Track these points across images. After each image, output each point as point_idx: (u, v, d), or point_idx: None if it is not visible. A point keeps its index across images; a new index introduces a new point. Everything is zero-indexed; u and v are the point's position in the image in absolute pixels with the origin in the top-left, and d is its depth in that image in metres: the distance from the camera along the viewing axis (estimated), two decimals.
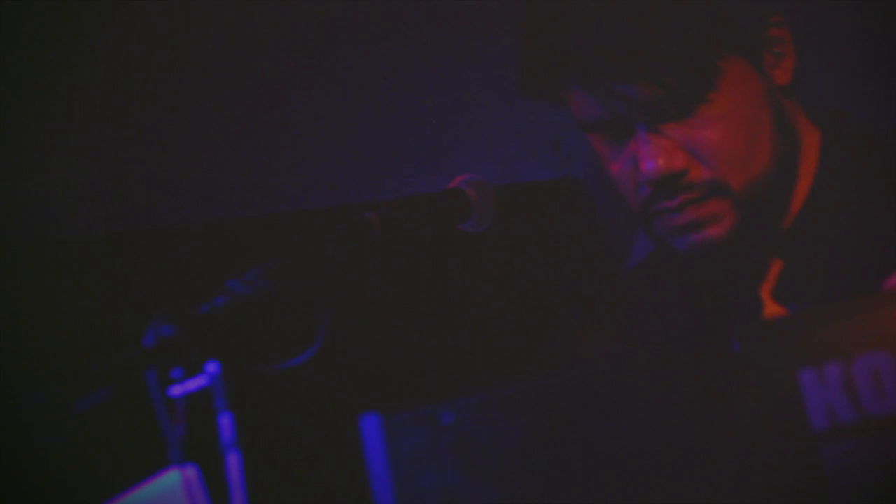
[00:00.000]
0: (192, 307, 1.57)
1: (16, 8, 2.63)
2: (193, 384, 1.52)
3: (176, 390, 1.52)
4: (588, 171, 2.81)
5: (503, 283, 2.75)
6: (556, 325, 2.10)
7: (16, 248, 2.68)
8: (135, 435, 1.93)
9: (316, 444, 2.60)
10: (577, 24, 1.84)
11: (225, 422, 1.50)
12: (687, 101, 1.84)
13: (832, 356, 1.29)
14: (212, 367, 1.52)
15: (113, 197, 2.78)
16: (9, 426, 1.39)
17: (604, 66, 1.82)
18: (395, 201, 1.78)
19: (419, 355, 2.74)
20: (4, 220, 2.73)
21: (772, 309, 1.94)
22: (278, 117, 2.83)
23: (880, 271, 1.68)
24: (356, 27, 2.81)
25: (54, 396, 1.42)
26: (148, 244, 2.72)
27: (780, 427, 1.30)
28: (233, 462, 1.49)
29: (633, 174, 1.89)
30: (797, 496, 1.29)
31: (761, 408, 1.30)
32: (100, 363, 1.47)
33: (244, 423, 1.51)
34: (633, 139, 1.87)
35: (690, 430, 1.31)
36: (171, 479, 1.48)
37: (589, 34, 1.83)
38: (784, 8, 1.92)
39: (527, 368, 2.09)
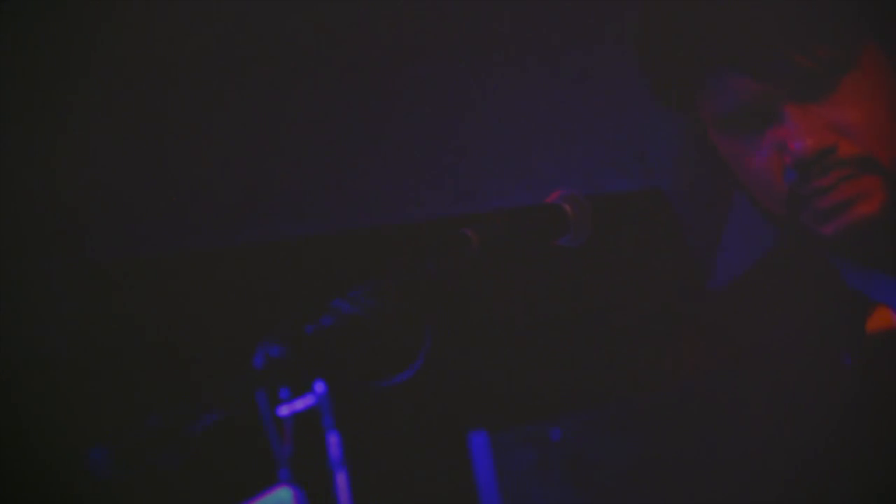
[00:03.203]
0: (299, 327, 1.59)
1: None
2: (301, 403, 1.53)
3: (284, 410, 1.53)
4: (672, 182, 2.79)
5: (594, 298, 2.74)
6: (653, 341, 2.08)
7: (125, 268, 2.72)
8: (245, 454, 1.95)
9: (424, 461, 2.61)
10: (721, 2, 1.84)
11: (332, 440, 1.51)
12: (835, 74, 1.84)
13: None
14: (319, 387, 1.53)
15: (216, 215, 2.81)
16: (127, 450, 1.41)
17: (755, 39, 1.82)
18: (492, 216, 1.77)
19: (526, 372, 2.73)
20: (116, 244, 2.77)
21: (878, 317, 1.91)
22: (369, 131, 2.85)
23: None
24: (445, 38, 2.82)
25: (169, 420, 1.44)
26: (255, 263, 2.75)
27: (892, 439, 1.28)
28: (341, 481, 1.50)
29: (777, 161, 1.87)
30: None
31: (872, 420, 1.28)
32: (212, 386, 1.49)
33: (351, 441, 1.51)
34: (776, 125, 1.86)
35: (803, 444, 1.29)
36: (283, 495, 1.50)
37: (738, 9, 1.83)
38: None
39: (633, 385, 2.07)
